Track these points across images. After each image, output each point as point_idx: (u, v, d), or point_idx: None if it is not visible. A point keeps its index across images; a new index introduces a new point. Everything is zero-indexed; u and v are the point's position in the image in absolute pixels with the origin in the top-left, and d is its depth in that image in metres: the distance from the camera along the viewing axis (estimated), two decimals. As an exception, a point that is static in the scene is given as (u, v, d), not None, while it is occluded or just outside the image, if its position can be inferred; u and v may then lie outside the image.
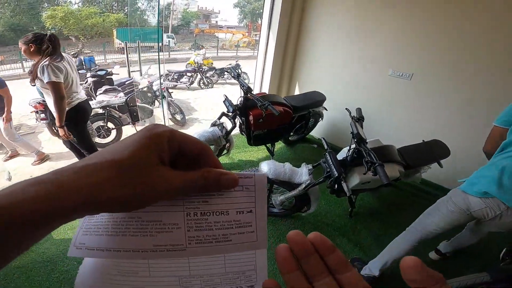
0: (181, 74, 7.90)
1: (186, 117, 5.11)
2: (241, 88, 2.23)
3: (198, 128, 5.02)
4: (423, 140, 2.35)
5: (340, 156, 1.78)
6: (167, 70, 7.67)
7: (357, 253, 2.05)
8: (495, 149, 1.39)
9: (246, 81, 8.52)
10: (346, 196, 2.07)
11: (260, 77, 3.58)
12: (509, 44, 2.17)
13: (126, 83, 5.14)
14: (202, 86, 7.95)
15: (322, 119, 3.15)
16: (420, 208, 2.56)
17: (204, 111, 6.17)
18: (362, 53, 2.99)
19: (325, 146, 1.64)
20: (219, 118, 2.47)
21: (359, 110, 1.86)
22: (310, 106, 2.82)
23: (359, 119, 1.73)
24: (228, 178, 0.25)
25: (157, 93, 5.04)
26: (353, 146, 1.59)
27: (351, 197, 2.24)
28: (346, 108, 1.90)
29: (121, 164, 0.21)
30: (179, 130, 0.24)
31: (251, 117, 2.32)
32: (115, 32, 13.14)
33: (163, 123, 4.58)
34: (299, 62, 3.57)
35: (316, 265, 0.23)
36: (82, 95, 2.21)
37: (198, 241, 0.25)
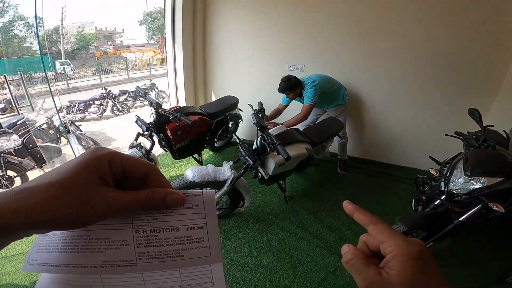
0: (87, 104, 7.08)
1: (104, 149, 4.64)
2: (150, 105, 2.22)
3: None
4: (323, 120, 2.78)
5: (254, 147, 1.96)
6: (68, 102, 6.78)
7: (300, 232, 2.20)
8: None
9: (166, 99, 8.25)
10: (273, 183, 2.29)
11: (174, 91, 3.57)
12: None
13: (18, 123, 4.35)
14: (117, 113, 7.30)
15: (241, 120, 3.35)
16: (339, 178, 3.06)
17: (125, 139, 5.72)
18: (263, 54, 3.35)
19: (237, 141, 1.80)
20: (136, 139, 2.40)
21: (260, 103, 2.11)
22: (225, 111, 2.98)
23: (260, 111, 1.96)
24: (175, 198, 0.25)
25: (61, 129, 4.43)
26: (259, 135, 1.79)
27: (280, 183, 2.46)
28: (248, 104, 2.12)
29: (60, 184, 0.21)
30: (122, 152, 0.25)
31: (168, 132, 2.32)
32: (-14, 66, 10.88)
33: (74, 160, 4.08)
34: (210, 70, 3.73)
35: None
36: None
37: (149, 257, 0.25)
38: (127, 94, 7.78)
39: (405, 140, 3.14)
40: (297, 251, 2.03)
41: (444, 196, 1.60)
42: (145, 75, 10.90)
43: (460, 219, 1.52)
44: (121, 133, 6.03)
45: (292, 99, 2.64)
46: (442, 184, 1.69)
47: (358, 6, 2.77)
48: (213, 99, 3.80)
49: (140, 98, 7.95)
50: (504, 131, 1.98)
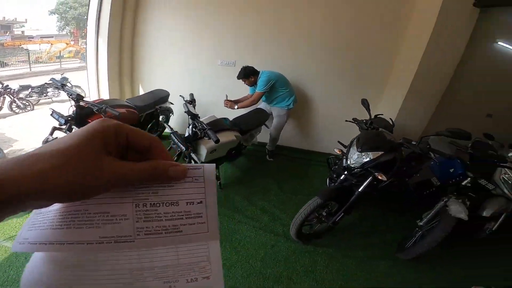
0: (-27, 101, 5.70)
1: (5, 151, 3.88)
2: (69, 97, 2.06)
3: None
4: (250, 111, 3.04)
5: (186, 135, 2.07)
6: None
7: (237, 216, 2.32)
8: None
9: (82, 94, 7.33)
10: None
11: (95, 85, 3.31)
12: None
13: None
14: (17, 110, 6.13)
15: (172, 114, 3.34)
16: (268, 165, 3.37)
17: (31, 139, 4.86)
18: (195, 49, 3.41)
19: (169, 130, 1.88)
20: (51, 133, 2.17)
21: (191, 95, 2.22)
22: (155, 104, 2.94)
23: (191, 101, 2.08)
24: (177, 169, 0.25)
25: None
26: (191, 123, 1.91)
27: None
28: (180, 95, 2.21)
29: (65, 153, 0.20)
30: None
31: (92, 124, 2.19)
32: None
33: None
34: (138, 63, 3.59)
35: None
36: None
37: (147, 232, 0.25)
38: (29, 89, 6.58)
39: (318, 128, 3.65)
40: (237, 233, 2.15)
41: (345, 170, 1.87)
42: (53, 69, 9.39)
43: (359, 190, 1.76)
44: (26, 133, 5.09)
45: (249, 86, 2.97)
46: (344, 161, 1.94)
47: (281, 12, 3.12)
48: (141, 93, 3.66)
49: (48, 94, 6.97)
50: (390, 118, 2.44)
